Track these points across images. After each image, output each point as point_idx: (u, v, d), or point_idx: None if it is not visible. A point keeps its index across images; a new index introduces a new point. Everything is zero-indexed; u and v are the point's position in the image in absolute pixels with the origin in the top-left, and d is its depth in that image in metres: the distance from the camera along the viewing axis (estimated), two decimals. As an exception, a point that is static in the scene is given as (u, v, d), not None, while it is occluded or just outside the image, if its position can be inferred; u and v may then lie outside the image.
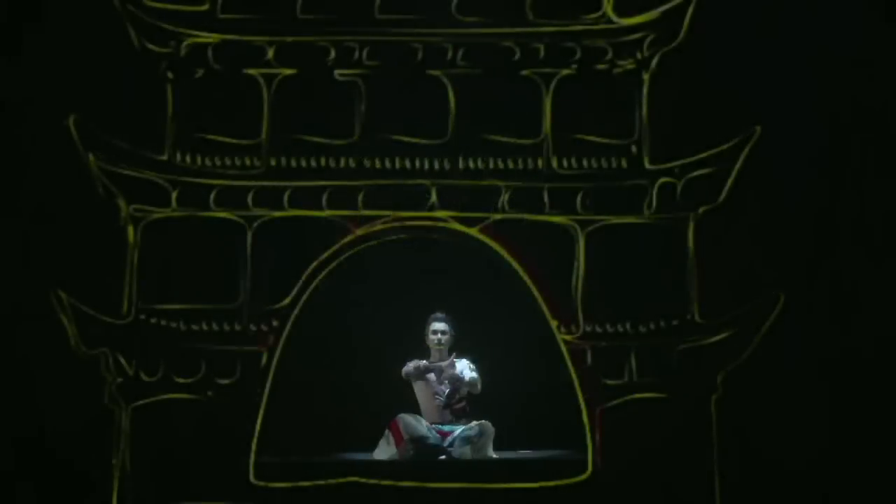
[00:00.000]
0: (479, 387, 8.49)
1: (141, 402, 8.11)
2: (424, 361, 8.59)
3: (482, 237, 8.40)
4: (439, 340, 8.63)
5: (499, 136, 8.49)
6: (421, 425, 8.36)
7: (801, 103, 8.58)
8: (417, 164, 8.44)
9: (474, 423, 8.41)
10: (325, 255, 8.37)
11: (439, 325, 8.66)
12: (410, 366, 8.54)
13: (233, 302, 8.28)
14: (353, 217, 8.39)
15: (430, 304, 8.69)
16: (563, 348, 8.27)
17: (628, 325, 8.28)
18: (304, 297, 8.30)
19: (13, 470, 8.17)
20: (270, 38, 8.46)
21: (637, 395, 8.20)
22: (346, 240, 8.39)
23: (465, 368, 8.55)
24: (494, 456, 8.36)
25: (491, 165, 8.46)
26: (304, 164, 8.43)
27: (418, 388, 8.63)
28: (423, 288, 8.78)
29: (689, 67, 8.53)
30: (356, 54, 8.48)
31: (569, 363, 8.25)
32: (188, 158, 8.38)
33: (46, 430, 8.19)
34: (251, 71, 8.48)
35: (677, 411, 8.18)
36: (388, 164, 8.45)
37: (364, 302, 8.82)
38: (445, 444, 8.34)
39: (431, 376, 8.56)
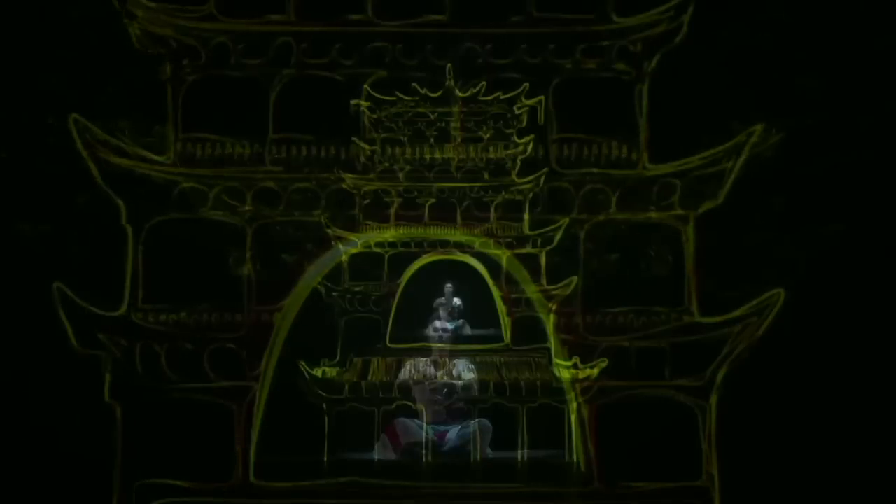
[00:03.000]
0: (476, 389, 8.48)
1: (140, 400, 8.12)
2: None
3: (482, 237, 8.41)
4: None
5: (498, 137, 8.49)
6: (420, 430, 8.37)
7: (801, 103, 8.60)
8: (418, 164, 8.46)
9: (471, 421, 8.42)
10: (326, 258, 8.39)
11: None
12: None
13: (232, 302, 8.29)
14: (353, 218, 8.41)
15: (428, 304, 8.70)
16: (563, 348, 8.27)
17: (628, 324, 8.27)
18: (303, 297, 8.33)
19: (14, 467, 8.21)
20: (270, 38, 8.49)
21: (636, 395, 8.19)
22: (351, 250, 8.39)
23: (464, 369, 8.55)
24: (491, 455, 8.38)
25: (491, 166, 8.47)
26: (303, 163, 8.45)
27: (415, 389, 8.62)
28: (422, 288, 8.78)
29: (689, 67, 8.53)
30: (356, 55, 8.51)
31: (568, 362, 8.24)
32: (188, 159, 8.39)
33: (47, 429, 8.22)
34: (251, 71, 8.51)
35: (677, 411, 8.17)
36: (387, 165, 8.46)
37: (362, 301, 8.82)
38: (443, 443, 8.36)
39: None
